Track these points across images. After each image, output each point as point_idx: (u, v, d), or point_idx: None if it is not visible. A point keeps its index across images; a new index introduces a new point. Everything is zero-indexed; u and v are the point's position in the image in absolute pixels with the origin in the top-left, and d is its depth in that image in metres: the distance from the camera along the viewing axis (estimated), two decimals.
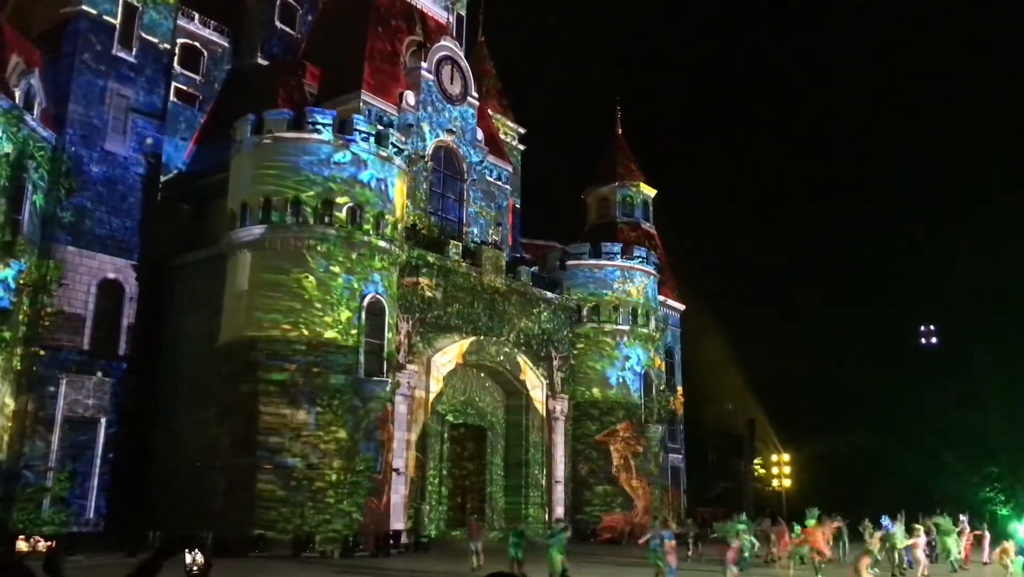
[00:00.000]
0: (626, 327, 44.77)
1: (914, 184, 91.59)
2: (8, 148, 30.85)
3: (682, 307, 56.58)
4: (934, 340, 62.55)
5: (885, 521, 25.65)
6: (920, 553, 24.41)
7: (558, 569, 19.21)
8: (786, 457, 60.31)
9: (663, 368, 49.38)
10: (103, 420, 33.74)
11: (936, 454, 58.50)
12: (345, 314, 31.69)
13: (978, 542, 30.63)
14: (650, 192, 56.63)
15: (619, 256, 45.57)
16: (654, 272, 47.18)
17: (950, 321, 64.40)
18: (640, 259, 46.06)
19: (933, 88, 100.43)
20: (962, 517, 29.97)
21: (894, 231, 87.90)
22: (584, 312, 44.54)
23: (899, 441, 60.26)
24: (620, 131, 57.91)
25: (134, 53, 36.86)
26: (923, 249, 74.78)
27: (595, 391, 43.87)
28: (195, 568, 3.19)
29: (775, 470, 60.64)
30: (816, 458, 62.26)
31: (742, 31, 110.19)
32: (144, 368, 35.07)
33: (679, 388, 54.72)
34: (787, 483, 58.86)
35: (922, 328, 63.62)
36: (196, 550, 3.11)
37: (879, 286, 76.92)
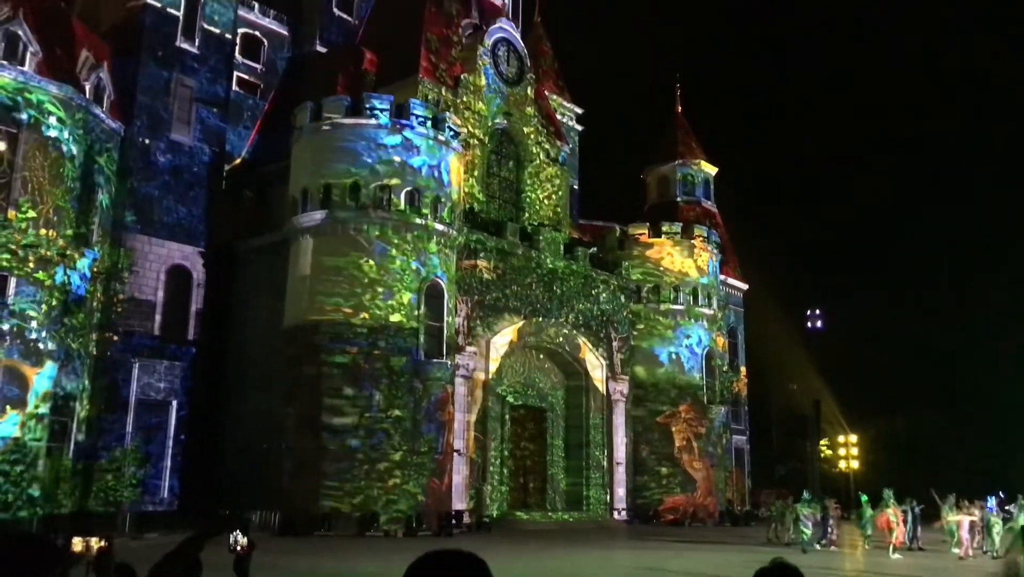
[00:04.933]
0: (687, 307, 44.27)
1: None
2: (81, 143, 31.89)
3: (745, 287, 55.63)
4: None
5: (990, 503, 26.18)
6: (964, 533, 24.46)
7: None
8: (853, 438, 59.03)
9: (726, 349, 48.69)
10: (174, 403, 34.81)
11: (1015, 438, 56.63)
12: (405, 297, 32.03)
13: None
14: (711, 170, 55.55)
15: (679, 235, 45.01)
16: (716, 251, 46.46)
17: None
18: (701, 238, 45.42)
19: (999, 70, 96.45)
20: None
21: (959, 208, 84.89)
22: (644, 292, 44.14)
23: (972, 425, 58.53)
24: (680, 109, 56.98)
25: (197, 44, 37.67)
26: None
27: (656, 372, 43.52)
28: (238, 548, 3.22)
29: (842, 452, 59.44)
30: (885, 439, 60.90)
31: (804, 4, 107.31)
32: (212, 352, 36.00)
33: (743, 369, 53.93)
34: (855, 464, 57.64)
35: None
36: (237, 531, 3.13)
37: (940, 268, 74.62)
